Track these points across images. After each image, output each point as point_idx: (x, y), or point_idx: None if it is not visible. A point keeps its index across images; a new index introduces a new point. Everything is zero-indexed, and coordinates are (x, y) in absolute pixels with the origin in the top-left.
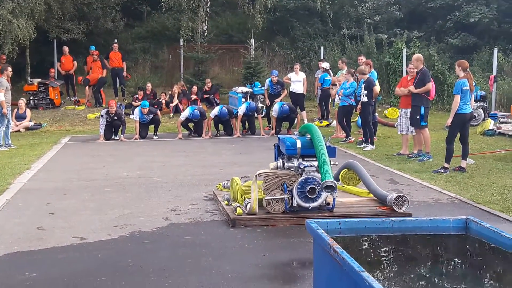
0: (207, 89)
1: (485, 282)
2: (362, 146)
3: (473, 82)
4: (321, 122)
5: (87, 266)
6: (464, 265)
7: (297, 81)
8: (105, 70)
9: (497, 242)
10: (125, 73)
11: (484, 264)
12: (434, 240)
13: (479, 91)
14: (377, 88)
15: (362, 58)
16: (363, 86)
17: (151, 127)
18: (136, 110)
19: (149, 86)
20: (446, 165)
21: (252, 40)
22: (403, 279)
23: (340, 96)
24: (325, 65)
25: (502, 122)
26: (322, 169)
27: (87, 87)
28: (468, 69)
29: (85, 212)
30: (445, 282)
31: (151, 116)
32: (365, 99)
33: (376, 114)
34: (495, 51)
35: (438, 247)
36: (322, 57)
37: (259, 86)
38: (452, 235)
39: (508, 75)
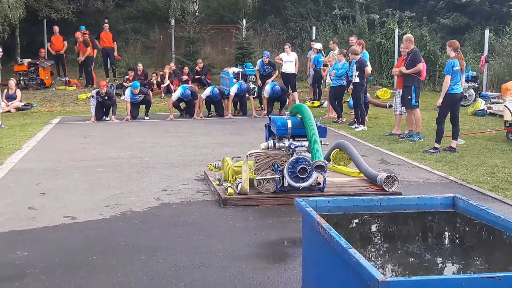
0: (199, 69)
1: (473, 257)
2: (353, 126)
3: (464, 63)
4: (312, 103)
5: (78, 246)
6: (451, 241)
7: (289, 62)
8: (95, 50)
9: (484, 219)
10: (115, 53)
11: (471, 240)
12: (422, 218)
13: (470, 71)
14: (369, 68)
15: (353, 39)
16: (355, 66)
17: (142, 108)
18: (127, 91)
19: (140, 66)
20: (436, 145)
21: (244, 20)
22: (391, 255)
23: (331, 77)
24: (318, 46)
25: (493, 103)
26: (313, 149)
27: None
28: (459, 49)
29: (76, 192)
30: (433, 258)
31: (142, 96)
32: (356, 79)
33: (368, 94)
34: (487, 31)
35: (426, 224)
36: (314, 38)
37: (250, 67)
38: (439, 212)
39: (500, 55)
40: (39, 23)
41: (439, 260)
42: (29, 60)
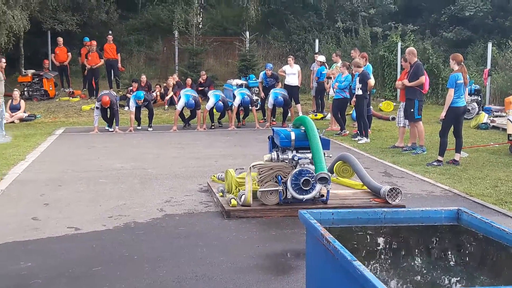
0: (202, 81)
1: (477, 272)
2: (356, 139)
3: (467, 76)
4: (316, 115)
5: (81, 256)
6: (455, 254)
7: (292, 74)
8: (102, 60)
9: (488, 232)
10: (119, 65)
11: (475, 254)
12: (426, 231)
13: (473, 84)
14: (372, 81)
15: (353, 53)
16: (358, 79)
17: (146, 119)
18: (131, 102)
19: (143, 78)
20: (439, 158)
21: (247, 33)
22: (395, 268)
23: (334, 89)
24: (322, 58)
25: (496, 116)
26: (316, 161)
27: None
28: (462, 63)
29: (79, 203)
30: (437, 272)
31: (146, 103)
32: (359, 92)
33: (371, 107)
34: (489, 45)
35: (430, 238)
36: (317, 50)
37: (254, 79)
38: (444, 226)
39: (502, 69)
40: (43, 35)
41: (443, 274)
42: (33, 71)
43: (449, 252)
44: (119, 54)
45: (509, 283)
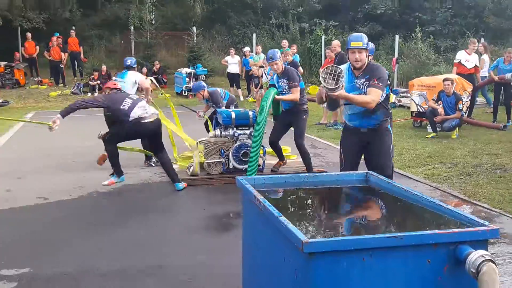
0: (156, 70)
1: (382, 222)
2: None
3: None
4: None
5: (50, 222)
6: (365, 210)
7: (233, 63)
8: (64, 54)
9: (391, 191)
10: (82, 56)
11: (381, 209)
12: (341, 191)
13: None
14: (301, 69)
15: (285, 42)
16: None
17: None
18: None
19: (104, 67)
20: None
21: (194, 28)
22: (314, 222)
23: (269, 76)
24: (246, 49)
25: (402, 97)
26: (254, 139)
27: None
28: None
29: (47, 176)
30: (349, 224)
31: None
32: None
33: None
34: (397, 37)
35: (344, 196)
36: (254, 43)
37: (201, 68)
38: (355, 186)
39: (407, 57)
40: (14, 31)
41: (354, 225)
42: (5, 62)
43: (360, 208)
44: (81, 47)
45: (407, 231)
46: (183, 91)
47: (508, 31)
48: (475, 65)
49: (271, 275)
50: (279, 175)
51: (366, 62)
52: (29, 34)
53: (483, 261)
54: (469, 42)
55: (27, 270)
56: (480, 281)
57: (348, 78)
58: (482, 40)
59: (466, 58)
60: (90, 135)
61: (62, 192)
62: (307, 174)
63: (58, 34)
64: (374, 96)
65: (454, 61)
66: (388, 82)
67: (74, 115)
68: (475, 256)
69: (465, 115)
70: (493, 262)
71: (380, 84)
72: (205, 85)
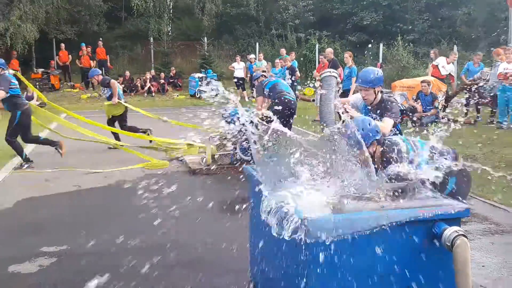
0: (172, 75)
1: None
2: None
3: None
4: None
5: (83, 207)
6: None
7: (239, 69)
8: (93, 62)
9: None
10: (108, 63)
11: None
12: None
13: None
14: (298, 73)
15: (283, 51)
16: (287, 71)
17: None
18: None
19: (127, 73)
20: None
21: (205, 38)
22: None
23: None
24: (251, 56)
25: None
26: None
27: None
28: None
29: (80, 168)
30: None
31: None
32: (289, 80)
33: (297, 92)
34: (381, 45)
35: None
36: (257, 51)
37: (211, 73)
38: None
39: (390, 62)
40: (49, 42)
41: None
42: (42, 69)
43: None
44: (108, 56)
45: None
46: (196, 93)
47: (476, 39)
48: (450, 73)
49: (276, 253)
50: None
51: (379, 98)
52: (62, 45)
53: (456, 236)
54: (451, 53)
55: (64, 247)
56: (455, 253)
57: (364, 110)
58: (434, 49)
59: (443, 65)
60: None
61: (93, 182)
62: None
63: (84, 44)
64: (385, 123)
65: (433, 63)
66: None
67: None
68: (450, 231)
69: (441, 112)
70: (465, 237)
71: (392, 115)
72: (99, 71)
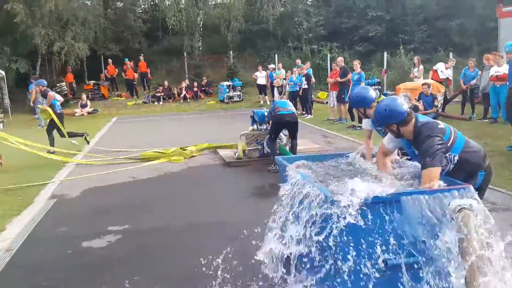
0: (204, 83)
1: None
2: (304, 116)
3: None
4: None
5: (139, 194)
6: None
7: (261, 77)
8: (136, 74)
9: None
10: (149, 75)
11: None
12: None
13: (375, 78)
14: (313, 79)
15: (298, 61)
16: (303, 78)
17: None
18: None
19: (166, 83)
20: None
21: (231, 52)
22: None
23: (290, 85)
24: (272, 66)
25: None
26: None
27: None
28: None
29: (134, 162)
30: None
31: None
32: (305, 86)
33: (312, 95)
34: (385, 54)
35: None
36: (276, 62)
37: (237, 81)
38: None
39: (394, 68)
40: (98, 58)
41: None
42: (93, 81)
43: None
44: (148, 69)
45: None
46: (225, 99)
47: (470, 47)
48: (447, 77)
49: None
50: (303, 155)
51: (411, 128)
52: (110, 60)
53: (461, 209)
54: (449, 60)
55: (127, 226)
56: (459, 223)
57: (406, 145)
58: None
59: (442, 70)
60: (168, 132)
61: (146, 173)
62: (322, 153)
63: (128, 59)
64: (426, 179)
65: (433, 67)
66: (379, 87)
67: (154, 119)
68: (455, 204)
69: (440, 110)
70: (468, 210)
71: (430, 160)
72: (45, 82)
